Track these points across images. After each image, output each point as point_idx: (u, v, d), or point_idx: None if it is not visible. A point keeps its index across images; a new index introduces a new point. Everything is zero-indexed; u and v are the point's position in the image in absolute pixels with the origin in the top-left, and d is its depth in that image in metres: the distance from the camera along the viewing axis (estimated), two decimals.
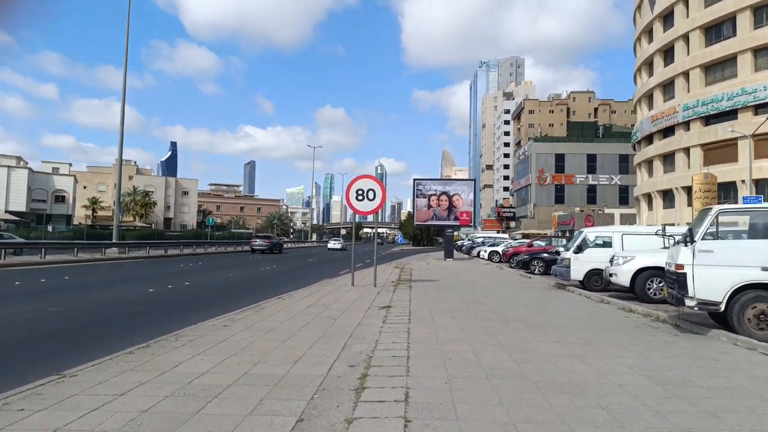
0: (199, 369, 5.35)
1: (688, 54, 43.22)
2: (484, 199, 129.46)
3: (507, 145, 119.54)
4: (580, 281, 14.01)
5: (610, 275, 11.95)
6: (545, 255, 20.42)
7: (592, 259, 13.58)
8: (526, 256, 21.20)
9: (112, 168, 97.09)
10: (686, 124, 43.40)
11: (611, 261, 12.06)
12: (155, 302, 11.55)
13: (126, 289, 14.02)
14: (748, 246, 6.90)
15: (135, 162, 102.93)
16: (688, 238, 6.86)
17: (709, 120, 40.81)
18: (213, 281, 17.40)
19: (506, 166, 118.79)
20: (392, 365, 5.51)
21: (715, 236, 6.84)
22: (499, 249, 30.20)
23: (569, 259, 13.88)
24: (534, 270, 20.33)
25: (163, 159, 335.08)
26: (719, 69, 40.31)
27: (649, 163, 49.88)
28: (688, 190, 43.11)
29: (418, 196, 33.46)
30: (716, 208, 6.94)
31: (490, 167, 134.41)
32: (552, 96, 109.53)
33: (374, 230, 17.23)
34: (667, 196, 46.37)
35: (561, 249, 17.51)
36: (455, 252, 38.05)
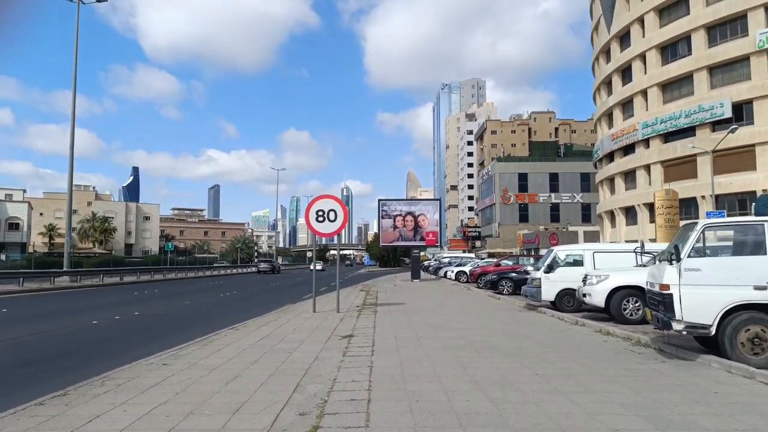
0: (117, 425, 4.41)
1: (646, 73, 44.20)
2: (450, 219, 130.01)
3: (471, 165, 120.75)
4: (551, 302, 13.46)
5: (584, 295, 11.42)
6: (513, 274, 19.92)
7: (564, 278, 13.06)
8: (494, 276, 20.70)
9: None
10: (646, 142, 44.18)
11: (584, 280, 11.54)
12: (94, 337, 10.40)
13: (66, 323, 12.75)
14: (738, 263, 6.37)
15: (94, 187, 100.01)
16: (673, 256, 6.29)
17: (668, 137, 41.65)
18: (166, 310, 16.18)
19: (470, 186, 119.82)
20: (350, 411, 4.68)
21: (702, 253, 6.30)
22: (466, 269, 29.67)
23: (540, 279, 13.34)
24: (503, 290, 19.78)
25: (125, 184, 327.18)
26: (676, 87, 41.36)
27: (610, 180, 50.60)
28: (650, 206, 43.65)
29: (383, 217, 32.78)
30: (702, 222, 6.43)
31: (454, 188, 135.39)
32: (513, 116, 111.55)
33: (337, 252, 16.50)
34: (630, 213, 46.97)
35: (530, 268, 17.03)
36: (422, 272, 37.44)
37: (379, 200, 33.21)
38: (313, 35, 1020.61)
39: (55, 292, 23.30)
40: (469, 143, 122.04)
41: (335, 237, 14.36)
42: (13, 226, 64.89)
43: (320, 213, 13.45)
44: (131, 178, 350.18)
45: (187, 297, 21.28)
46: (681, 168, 40.14)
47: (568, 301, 13.09)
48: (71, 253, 64.07)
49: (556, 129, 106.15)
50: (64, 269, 27.22)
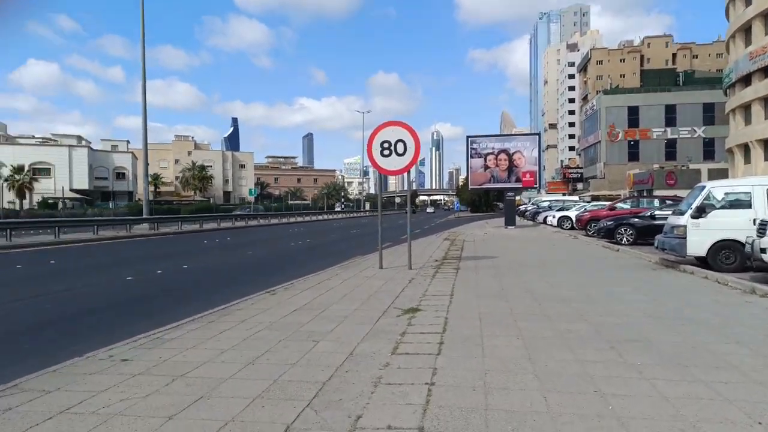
0: None
1: None
2: (548, 161, 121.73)
3: (572, 101, 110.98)
4: (700, 257, 9.87)
5: (762, 250, 7.81)
6: (635, 220, 16.01)
7: (722, 225, 9.40)
8: (610, 223, 16.68)
9: (171, 144, 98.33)
10: None
11: (762, 229, 7.89)
12: (103, 300, 8.53)
13: (96, 279, 11.20)
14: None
15: (192, 137, 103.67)
16: None
17: None
18: (219, 264, 14.38)
19: (571, 124, 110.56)
20: None
21: None
22: (572, 214, 25.54)
23: (684, 226, 9.72)
24: (621, 240, 15.97)
25: (226, 135, 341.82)
26: None
27: (746, 108, 42.99)
28: None
29: (472, 156, 29.06)
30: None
31: (553, 126, 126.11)
32: (623, 43, 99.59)
33: (408, 193, 13.27)
34: None
35: (665, 212, 13.22)
36: (518, 218, 33.72)
37: (468, 137, 29.21)
38: None
39: (127, 240, 22.67)
40: (571, 76, 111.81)
41: (408, 175, 11.54)
42: (120, 175, 68.66)
43: (386, 145, 10.62)
44: (231, 128, 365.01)
45: (255, 247, 19.64)
46: None
47: (727, 256, 9.45)
48: (171, 201, 67.05)
49: (674, 55, 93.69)
50: (144, 216, 26.79)
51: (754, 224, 8.67)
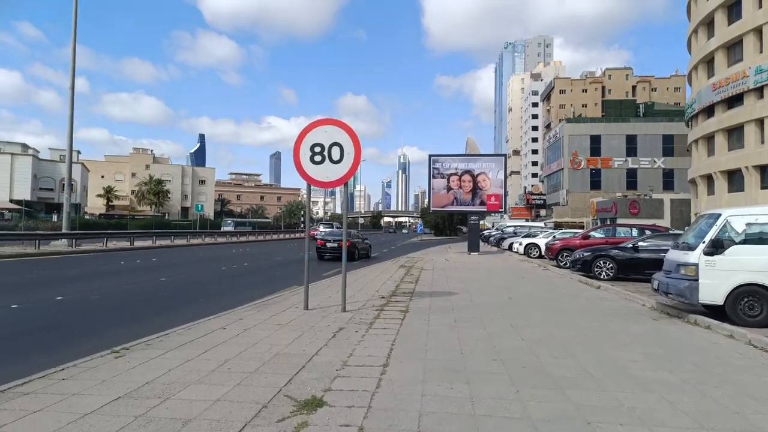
0: None
1: (761, 6, 36.02)
2: (511, 186, 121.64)
3: (535, 128, 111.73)
4: (714, 306, 7.65)
5: None
6: (616, 252, 13.91)
7: (745, 265, 7.21)
8: (586, 254, 14.51)
9: (129, 157, 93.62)
10: (759, 91, 36.17)
11: None
12: None
13: None
14: None
15: (152, 151, 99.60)
16: None
17: None
18: (99, 293, 10.95)
19: (534, 151, 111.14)
20: None
21: None
22: (539, 241, 23.45)
23: (696, 265, 7.53)
24: (600, 274, 13.86)
25: (192, 151, 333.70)
26: None
27: (708, 139, 42.65)
28: (762, 169, 36.10)
29: (435, 177, 26.78)
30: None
31: (517, 152, 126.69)
32: (585, 74, 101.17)
33: (344, 215, 10.54)
34: (734, 177, 39.13)
35: (650, 244, 11.10)
36: (482, 244, 31.63)
37: (430, 155, 26.96)
38: None
39: (32, 259, 19.22)
40: (534, 104, 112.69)
41: (345, 188, 9.10)
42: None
43: (317, 149, 8.20)
44: (198, 144, 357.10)
45: (175, 270, 16.63)
46: None
47: (751, 306, 7.25)
48: (124, 215, 62.71)
49: (634, 87, 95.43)
50: (63, 231, 23.46)
51: None
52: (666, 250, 13.05)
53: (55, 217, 51.06)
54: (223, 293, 11.17)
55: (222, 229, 45.67)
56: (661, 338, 6.69)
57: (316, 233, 27.20)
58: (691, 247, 7.97)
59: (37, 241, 21.84)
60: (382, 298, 9.97)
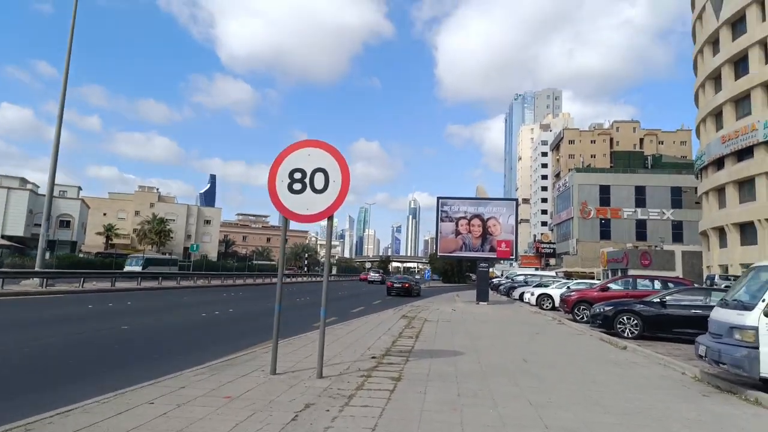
0: None
1: (767, 62, 36.73)
2: (521, 234, 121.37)
3: (545, 177, 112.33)
4: None
5: None
6: (641, 306, 13.13)
7: None
8: (608, 308, 13.60)
9: (133, 195, 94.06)
10: None
11: None
12: None
13: None
14: None
15: (157, 189, 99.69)
16: None
17: None
18: (29, 348, 8.89)
19: (544, 200, 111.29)
20: None
21: None
22: (553, 292, 22.73)
23: (756, 329, 6.48)
24: (623, 331, 13.04)
25: (203, 191, 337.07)
26: None
27: (719, 191, 42.53)
28: None
29: (443, 220, 26.61)
30: None
31: (526, 201, 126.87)
32: (593, 125, 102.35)
33: (326, 258, 7.77)
34: (746, 230, 38.74)
35: (678, 299, 10.62)
36: (491, 293, 31.10)
37: (439, 198, 26.71)
38: (386, 45, 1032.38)
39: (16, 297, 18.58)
40: (544, 154, 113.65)
41: (329, 221, 8.81)
42: (65, 223, 63.03)
43: (297, 176, 7.22)
44: (208, 185, 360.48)
45: (148, 316, 15.33)
46: None
47: None
48: (122, 255, 62.58)
49: (641, 140, 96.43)
50: (35, 270, 22.72)
51: None
52: (697, 307, 12.32)
53: (48, 255, 50.12)
54: (184, 348, 9.98)
55: (125, 269, 36.60)
56: (725, 427, 5.53)
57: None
58: (746, 307, 6.80)
59: (1, 280, 20.24)
60: (373, 357, 8.76)
